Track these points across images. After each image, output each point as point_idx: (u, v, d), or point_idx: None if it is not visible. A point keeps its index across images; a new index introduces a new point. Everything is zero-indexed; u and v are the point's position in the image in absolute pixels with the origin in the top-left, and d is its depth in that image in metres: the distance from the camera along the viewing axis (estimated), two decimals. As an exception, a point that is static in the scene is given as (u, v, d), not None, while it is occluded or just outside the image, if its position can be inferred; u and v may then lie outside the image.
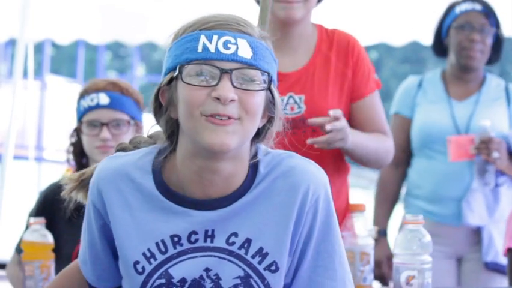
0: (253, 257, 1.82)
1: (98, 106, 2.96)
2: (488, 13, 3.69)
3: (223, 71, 1.76)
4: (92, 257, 1.93)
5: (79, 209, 2.92)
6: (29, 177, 8.68)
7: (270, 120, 1.85)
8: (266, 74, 1.80)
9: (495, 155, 3.56)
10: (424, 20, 5.26)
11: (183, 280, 1.82)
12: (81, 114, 2.99)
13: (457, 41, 3.71)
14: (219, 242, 1.82)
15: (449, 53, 3.78)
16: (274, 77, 1.84)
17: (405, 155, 3.80)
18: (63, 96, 13.35)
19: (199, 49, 1.77)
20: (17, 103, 4.89)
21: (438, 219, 3.70)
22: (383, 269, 3.69)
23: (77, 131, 3.02)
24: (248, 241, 1.82)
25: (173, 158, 1.85)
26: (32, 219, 2.73)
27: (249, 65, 1.78)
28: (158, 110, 1.85)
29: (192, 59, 1.78)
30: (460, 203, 3.66)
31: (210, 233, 1.82)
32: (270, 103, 1.83)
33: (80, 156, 3.02)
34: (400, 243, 2.26)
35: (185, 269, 1.82)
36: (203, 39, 1.78)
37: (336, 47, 2.75)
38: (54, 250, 2.72)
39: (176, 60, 1.80)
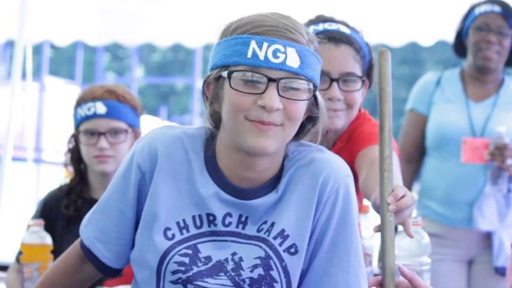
0: (274, 238, 1.87)
1: (95, 115, 2.95)
2: (507, 15, 3.70)
3: (271, 80, 1.80)
4: (117, 230, 1.94)
5: (78, 213, 2.94)
6: (28, 178, 8.68)
7: (309, 118, 1.90)
8: (311, 83, 1.84)
9: (509, 162, 3.57)
10: (422, 21, 5.26)
11: (208, 258, 1.87)
12: (78, 123, 2.98)
13: (473, 42, 3.73)
14: (251, 230, 1.88)
15: (467, 53, 3.79)
16: (317, 76, 1.88)
17: (418, 152, 3.82)
18: (62, 98, 13.34)
19: (249, 55, 1.81)
20: (15, 105, 4.89)
21: (450, 223, 3.71)
22: None
23: (75, 138, 3.02)
24: (272, 224, 1.88)
25: (218, 145, 1.91)
26: (31, 221, 2.73)
27: (296, 74, 1.82)
28: (206, 99, 1.91)
29: (240, 63, 1.81)
30: (472, 207, 3.67)
31: (243, 219, 1.88)
32: (312, 105, 1.88)
33: (78, 162, 3.02)
34: (399, 244, 2.25)
35: (214, 249, 1.87)
36: (253, 44, 1.81)
37: (348, 140, 2.55)
38: (54, 254, 2.72)
39: (225, 60, 1.83)
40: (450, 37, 3.99)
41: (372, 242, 2.53)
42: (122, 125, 2.97)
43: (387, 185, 1.87)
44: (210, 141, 1.92)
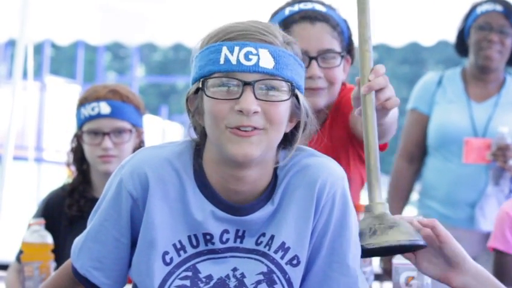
0: (275, 252, 1.85)
1: (99, 115, 2.94)
2: (509, 14, 3.69)
3: (245, 83, 1.77)
4: (113, 257, 1.90)
5: (80, 213, 2.94)
6: (29, 178, 8.68)
7: (298, 125, 1.86)
8: (289, 83, 1.80)
9: (511, 162, 3.57)
10: (423, 21, 5.27)
11: (209, 277, 1.85)
12: (81, 123, 2.97)
13: (475, 41, 3.72)
14: (249, 243, 1.86)
15: (469, 53, 3.79)
16: (300, 82, 1.84)
17: (419, 151, 3.82)
18: (62, 97, 13.34)
19: (221, 61, 1.78)
20: (16, 104, 4.89)
21: (451, 223, 3.70)
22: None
23: (78, 138, 3.01)
24: (272, 237, 1.85)
25: (205, 160, 1.87)
26: (32, 220, 2.73)
27: (270, 75, 1.78)
28: (191, 116, 1.87)
29: (214, 71, 1.79)
30: (473, 208, 3.68)
31: (240, 233, 1.85)
32: (296, 108, 1.84)
33: (80, 162, 3.01)
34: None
35: (213, 267, 1.85)
36: (225, 50, 1.78)
37: (337, 111, 2.58)
38: (56, 254, 2.72)
39: (200, 71, 1.81)
40: (451, 37, 3.99)
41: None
42: (126, 125, 2.97)
43: (368, 64, 1.89)
44: (197, 155, 1.87)
